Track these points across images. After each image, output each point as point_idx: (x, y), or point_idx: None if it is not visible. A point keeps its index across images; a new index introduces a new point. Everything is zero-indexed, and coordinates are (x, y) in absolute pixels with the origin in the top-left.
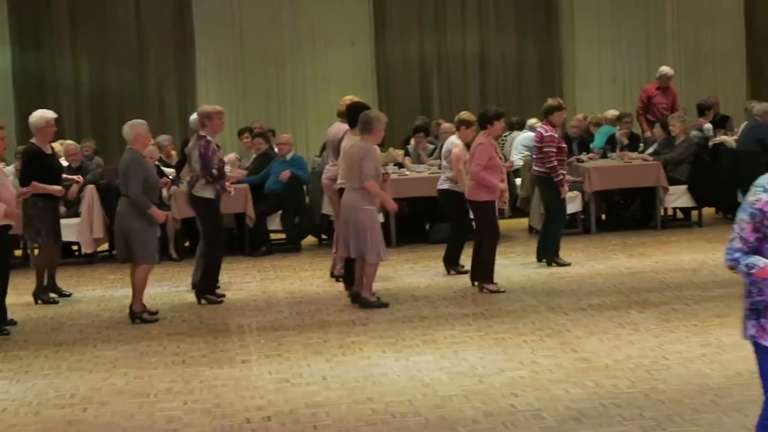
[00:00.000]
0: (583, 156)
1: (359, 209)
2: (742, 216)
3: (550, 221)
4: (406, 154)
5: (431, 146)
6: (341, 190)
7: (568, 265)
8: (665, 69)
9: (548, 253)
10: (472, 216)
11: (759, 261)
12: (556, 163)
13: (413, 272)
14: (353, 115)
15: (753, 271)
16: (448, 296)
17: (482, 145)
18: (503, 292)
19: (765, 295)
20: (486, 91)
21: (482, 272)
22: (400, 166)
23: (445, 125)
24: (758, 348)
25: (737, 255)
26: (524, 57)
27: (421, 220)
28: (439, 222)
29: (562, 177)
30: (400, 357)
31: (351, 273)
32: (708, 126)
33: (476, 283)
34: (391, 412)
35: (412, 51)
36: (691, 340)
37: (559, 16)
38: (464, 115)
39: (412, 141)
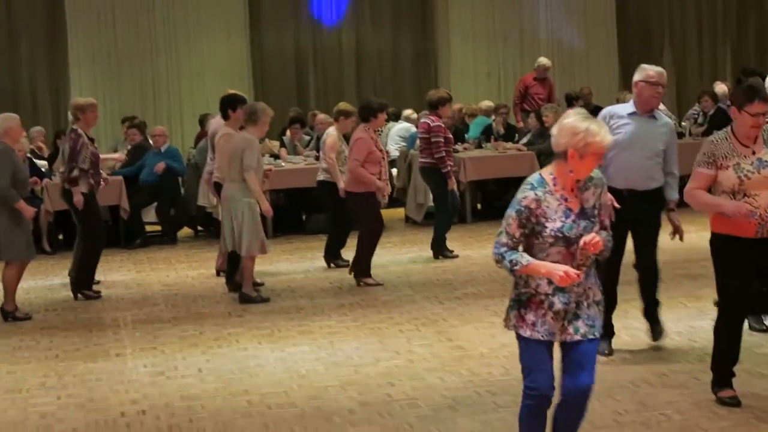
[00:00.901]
0: (458, 146)
1: (239, 201)
2: (510, 212)
3: (438, 213)
4: (282, 145)
5: (307, 137)
6: (217, 185)
7: (456, 257)
8: (543, 60)
9: (435, 245)
10: None
11: (522, 258)
12: (444, 153)
13: (290, 263)
14: (225, 107)
15: (516, 267)
16: (325, 287)
17: (361, 140)
18: (381, 285)
19: (530, 287)
20: (362, 83)
21: (359, 266)
22: (276, 157)
23: (321, 116)
24: (518, 337)
25: (503, 250)
26: (400, 49)
27: (298, 212)
28: (316, 213)
29: (449, 168)
30: (276, 348)
31: (232, 267)
32: None
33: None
34: (267, 403)
35: (288, 42)
36: None
37: (434, 10)
38: (342, 105)
39: (288, 132)
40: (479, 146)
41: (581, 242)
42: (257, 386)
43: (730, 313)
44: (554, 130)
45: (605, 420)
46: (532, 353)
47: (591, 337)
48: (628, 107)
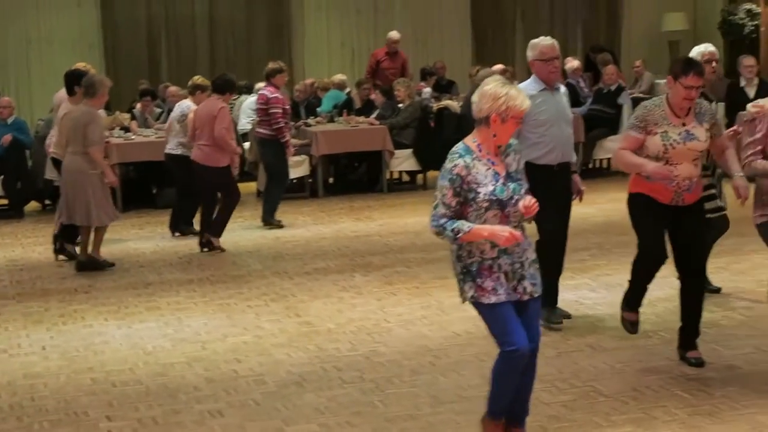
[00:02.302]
0: (311, 120)
1: (84, 173)
2: (443, 183)
3: (272, 184)
4: (133, 118)
5: (158, 110)
6: (54, 160)
7: (282, 226)
8: (392, 34)
9: (265, 214)
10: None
11: (464, 225)
12: (282, 124)
13: (139, 238)
14: (71, 82)
15: (459, 235)
16: (174, 262)
17: (225, 108)
18: (224, 251)
19: (474, 255)
20: (215, 55)
21: (214, 226)
22: (127, 130)
23: (173, 89)
24: (481, 307)
25: (443, 221)
26: (253, 21)
27: (148, 185)
28: (167, 187)
29: (288, 138)
30: (122, 325)
31: (67, 237)
32: (427, 90)
33: (204, 245)
34: (112, 381)
35: (140, 13)
36: (413, 302)
37: None
38: (198, 80)
39: (139, 105)
40: (331, 120)
41: (521, 207)
42: (102, 363)
43: (647, 255)
44: (475, 97)
45: (449, 395)
46: (502, 317)
47: (536, 295)
48: (535, 84)
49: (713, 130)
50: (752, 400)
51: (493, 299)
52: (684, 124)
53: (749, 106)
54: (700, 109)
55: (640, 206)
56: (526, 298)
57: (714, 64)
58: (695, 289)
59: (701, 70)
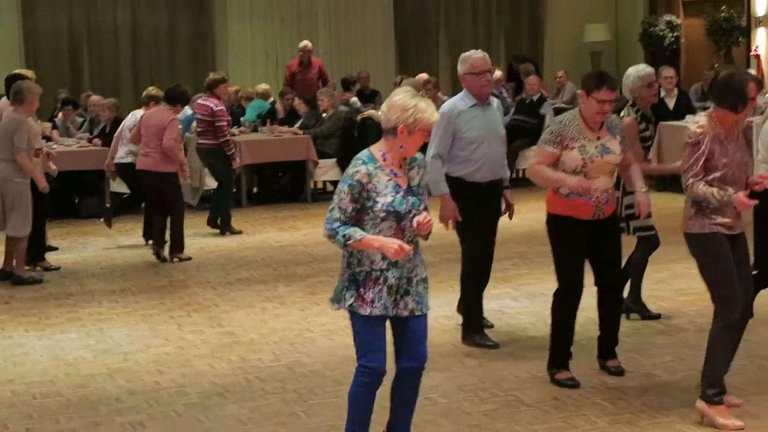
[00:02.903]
0: (234, 130)
1: (10, 182)
2: (342, 187)
3: (222, 193)
4: (54, 127)
5: (80, 119)
6: None
7: (240, 233)
8: (302, 43)
9: (223, 224)
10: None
11: (356, 233)
12: (229, 137)
13: (60, 248)
14: (10, 86)
15: (350, 242)
16: (96, 272)
17: (175, 120)
18: (191, 258)
19: (364, 265)
20: (138, 65)
21: (174, 244)
22: (48, 139)
23: (95, 98)
24: (356, 317)
25: (336, 225)
26: (176, 30)
27: (71, 195)
28: (89, 196)
29: (234, 150)
30: (43, 336)
31: None
32: (354, 99)
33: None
34: (32, 393)
35: (61, 20)
36: (336, 312)
37: None
38: (152, 90)
39: (60, 114)
40: (255, 130)
41: (414, 223)
42: (22, 375)
43: (567, 293)
44: (384, 107)
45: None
46: (371, 331)
47: (419, 313)
48: (466, 99)
49: (622, 144)
50: (671, 408)
51: (368, 311)
52: (599, 138)
53: (693, 127)
54: (610, 123)
55: (562, 234)
56: (405, 314)
57: (656, 85)
58: (613, 299)
59: (614, 85)
